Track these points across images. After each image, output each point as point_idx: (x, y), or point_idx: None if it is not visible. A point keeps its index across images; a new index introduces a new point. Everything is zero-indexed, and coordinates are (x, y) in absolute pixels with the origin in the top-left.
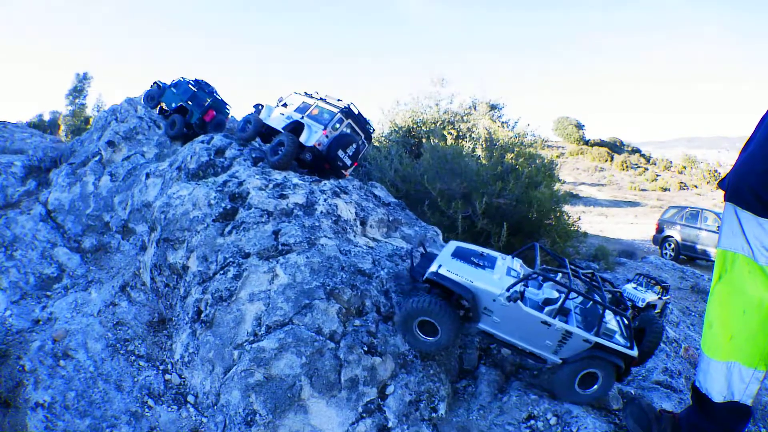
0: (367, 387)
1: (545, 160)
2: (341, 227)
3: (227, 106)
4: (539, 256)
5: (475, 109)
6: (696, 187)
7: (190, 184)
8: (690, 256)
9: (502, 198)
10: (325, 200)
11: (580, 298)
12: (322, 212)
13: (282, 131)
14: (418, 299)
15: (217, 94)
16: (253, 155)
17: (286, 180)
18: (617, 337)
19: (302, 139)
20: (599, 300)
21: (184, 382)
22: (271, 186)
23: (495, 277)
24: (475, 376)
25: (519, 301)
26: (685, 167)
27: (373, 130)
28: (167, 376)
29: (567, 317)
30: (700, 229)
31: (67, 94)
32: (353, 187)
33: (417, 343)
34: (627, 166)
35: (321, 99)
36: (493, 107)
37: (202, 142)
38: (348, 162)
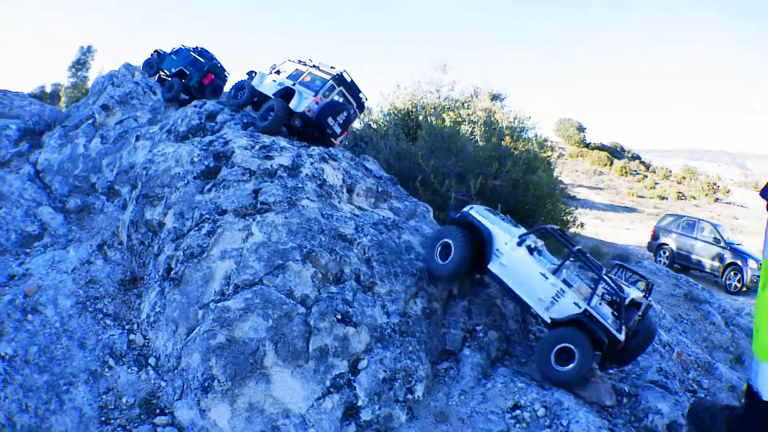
0: (338, 359)
1: (544, 147)
2: (326, 191)
3: (226, 72)
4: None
5: (476, 97)
6: (694, 198)
7: (176, 143)
8: (684, 265)
9: (498, 180)
10: (311, 164)
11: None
12: (307, 175)
13: (272, 97)
14: (444, 227)
15: (217, 60)
16: (245, 120)
17: (274, 143)
18: (608, 322)
19: (292, 104)
20: (595, 270)
21: (147, 343)
22: (257, 147)
23: (513, 230)
24: (458, 358)
25: (525, 248)
26: (684, 177)
27: (366, 99)
28: (131, 336)
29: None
30: (695, 239)
31: (70, 66)
32: (343, 156)
33: (436, 267)
34: (626, 172)
35: (314, 66)
36: (494, 97)
37: (195, 106)
38: (338, 130)
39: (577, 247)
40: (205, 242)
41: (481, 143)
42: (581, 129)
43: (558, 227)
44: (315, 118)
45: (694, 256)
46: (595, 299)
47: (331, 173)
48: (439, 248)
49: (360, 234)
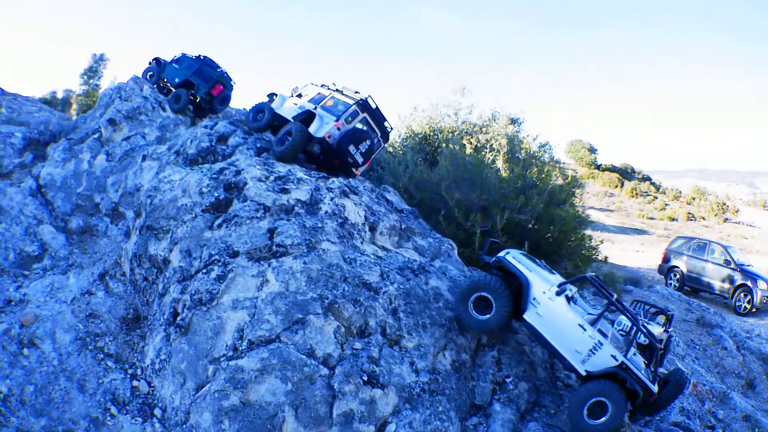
0: (364, 424)
1: (568, 178)
2: (347, 231)
3: (232, 81)
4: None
5: (495, 121)
6: (704, 218)
7: (184, 169)
8: (694, 287)
9: (523, 214)
10: (331, 199)
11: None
12: (327, 212)
13: (291, 120)
14: (480, 275)
15: (222, 69)
16: (258, 145)
17: (290, 173)
18: (642, 373)
19: (312, 129)
20: (633, 321)
21: (152, 391)
22: (272, 178)
23: (550, 278)
24: (488, 413)
25: (564, 298)
26: (694, 198)
27: (391, 128)
28: (135, 383)
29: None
30: (706, 261)
31: (82, 74)
32: (364, 188)
33: (470, 320)
34: (637, 194)
35: (337, 90)
36: (513, 121)
37: (205, 127)
38: (360, 160)
39: (615, 297)
40: (215, 288)
41: (504, 173)
42: (592, 150)
43: (596, 275)
44: (335, 145)
45: (704, 278)
46: (631, 351)
47: (352, 210)
48: (473, 299)
49: (386, 281)
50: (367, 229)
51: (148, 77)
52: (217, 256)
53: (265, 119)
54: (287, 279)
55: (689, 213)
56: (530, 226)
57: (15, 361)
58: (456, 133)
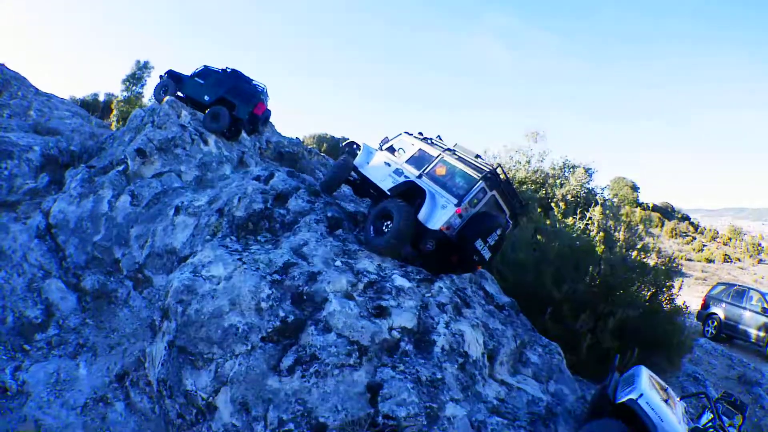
0: None
1: (668, 258)
2: (469, 375)
3: (268, 98)
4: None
5: (572, 169)
6: (739, 260)
7: (230, 257)
8: (730, 335)
9: (631, 308)
10: (446, 325)
11: None
12: (443, 349)
13: (388, 193)
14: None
15: (257, 84)
16: (329, 213)
17: (384, 277)
18: None
19: (422, 215)
20: None
21: None
22: (361, 287)
23: (677, 421)
24: None
25: None
26: (730, 239)
27: (522, 204)
28: None
29: None
30: (744, 308)
31: (124, 80)
32: (472, 290)
33: None
34: (676, 234)
35: (448, 150)
36: (585, 170)
37: (258, 178)
38: (486, 255)
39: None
40: None
41: (599, 249)
42: (635, 188)
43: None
44: (456, 239)
45: (741, 326)
46: None
47: (470, 336)
48: None
49: None
50: (485, 359)
51: (162, 93)
52: (292, 425)
53: (330, 175)
54: None
55: (726, 254)
56: (634, 322)
57: None
58: (529, 185)
